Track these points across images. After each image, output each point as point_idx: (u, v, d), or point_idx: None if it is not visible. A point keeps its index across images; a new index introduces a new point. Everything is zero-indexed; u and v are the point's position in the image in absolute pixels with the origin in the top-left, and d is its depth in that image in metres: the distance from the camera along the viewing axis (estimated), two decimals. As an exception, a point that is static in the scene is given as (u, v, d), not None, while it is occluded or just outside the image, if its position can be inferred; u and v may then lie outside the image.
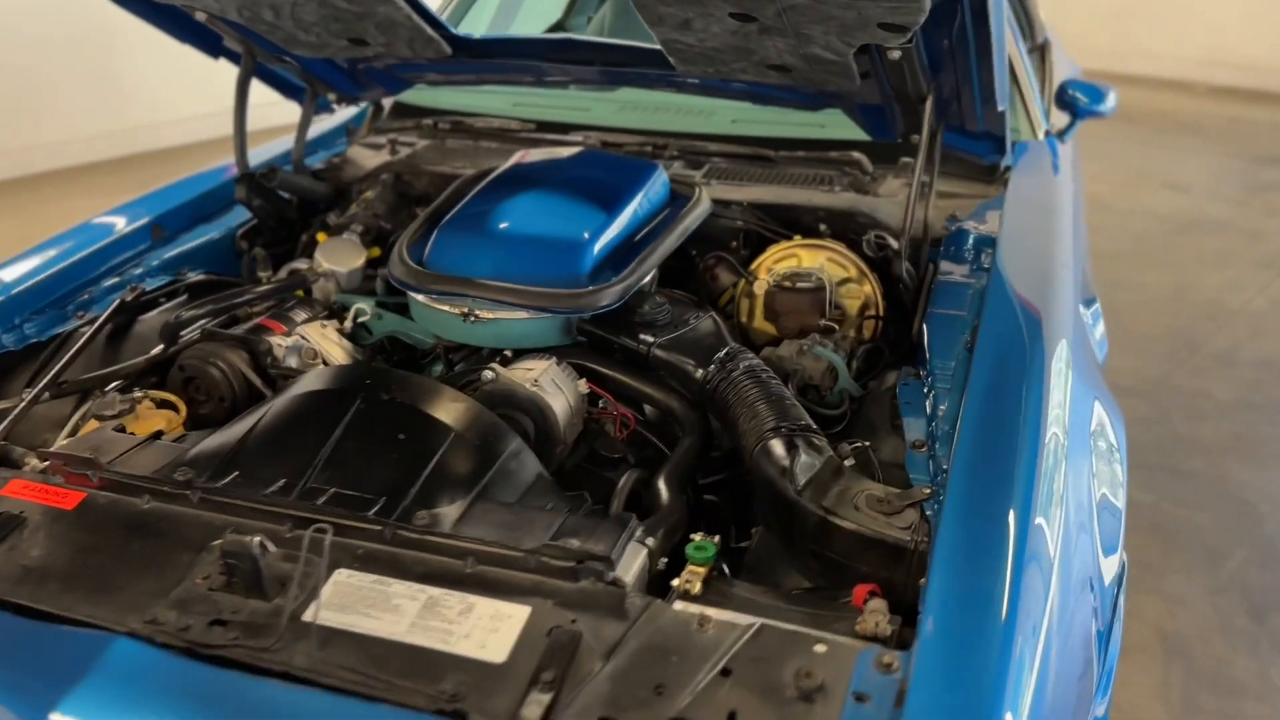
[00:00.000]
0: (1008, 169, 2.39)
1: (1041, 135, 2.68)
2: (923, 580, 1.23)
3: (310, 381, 1.61)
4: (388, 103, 2.94)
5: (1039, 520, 1.31)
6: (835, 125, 2.56)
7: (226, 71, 2.35)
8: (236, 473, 1.44)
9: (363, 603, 1.28)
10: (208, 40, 2.27)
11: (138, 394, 1.72)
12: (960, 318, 1.85)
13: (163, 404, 1.76)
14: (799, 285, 1.98)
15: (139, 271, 2.13)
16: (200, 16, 2.06)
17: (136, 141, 6.70)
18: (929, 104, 1.86)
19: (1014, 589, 1.19)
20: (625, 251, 1.95)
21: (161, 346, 1.89)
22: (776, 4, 1.57)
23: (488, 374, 1.67)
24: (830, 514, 1.40)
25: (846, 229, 2.22)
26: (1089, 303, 2.11)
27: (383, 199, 2.41)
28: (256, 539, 1.27)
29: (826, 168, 2.43)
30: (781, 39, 1.72)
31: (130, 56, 6.64)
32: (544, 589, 1.28)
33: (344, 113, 2.86)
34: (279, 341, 1.86)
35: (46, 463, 1.51)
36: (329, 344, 1.91)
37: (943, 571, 1.23)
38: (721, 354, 1.72)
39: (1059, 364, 1.64)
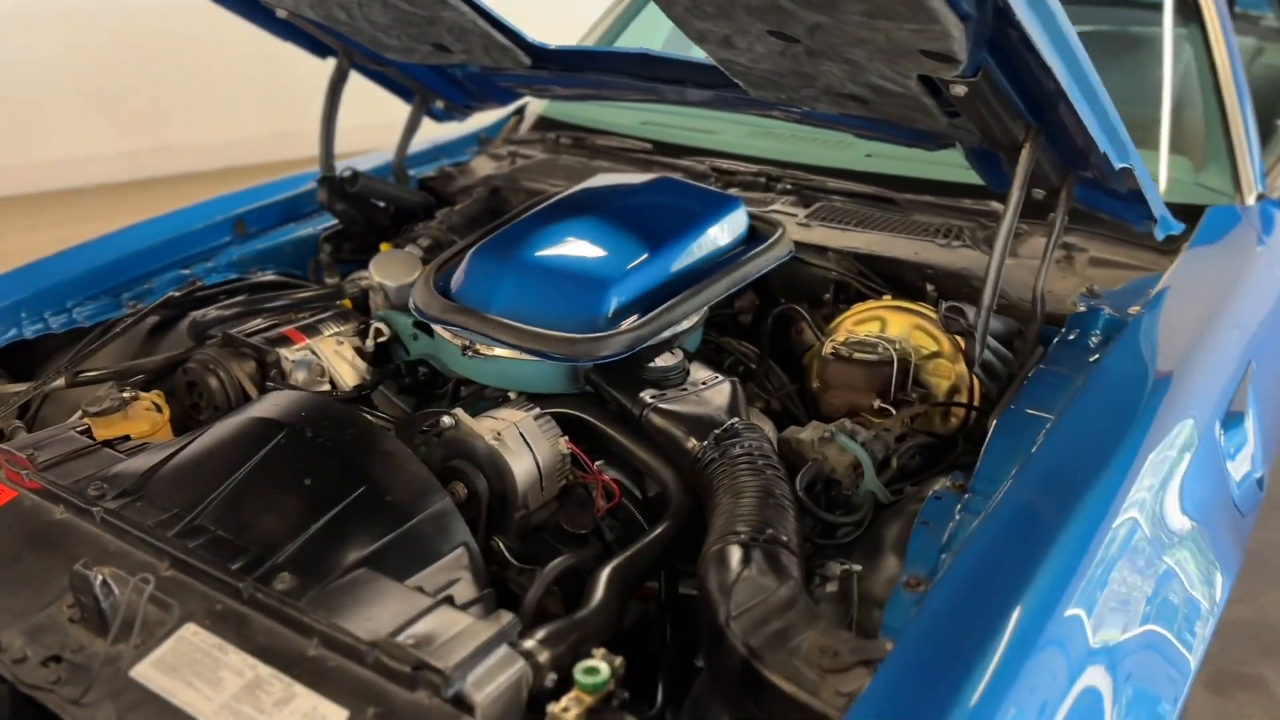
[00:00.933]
0: (1184, 237, 1.93)
1: (1252, 199, 2.16)
2: None
3: (256, 407, 1.50)
4: (530, 114, 2.85)
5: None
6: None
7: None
8: (140, 496, 1.35)
9: (192, 668, 1.14)
10: (311, 40, 2.24)
11: (128, 393, 1.68)
12: (1042, 420, 1.48)
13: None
14: (857, 355, 1.67)
15: (209, 265, 2.12)
16: (281, 14, 2.02)
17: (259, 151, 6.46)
18: (1025, 152, 1.49)
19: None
20: (665, 295, 1.72)
21: (192, 345, 1.85)
22: (804, 21, 1.29)
23: (446, 420, 1.50)
24: (754, 657, 1.11)
25: (957, 293, 1.87)
26: (1237, 421, 1.63)
27: (466, 213, 2.30)
28: (100, 574, 1.16)
29: (958, 217, 2.07)
30: (830, 63, 1.43)
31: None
32: (375, 692, 1.09)
33: (479, 120, 2.79)
34: (288, 354, 1.78)
35: None
36: (340, 362, 1.81)
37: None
38: (721, 429, 1.46)
39: (1132, 507, 1.25)
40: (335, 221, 2.32)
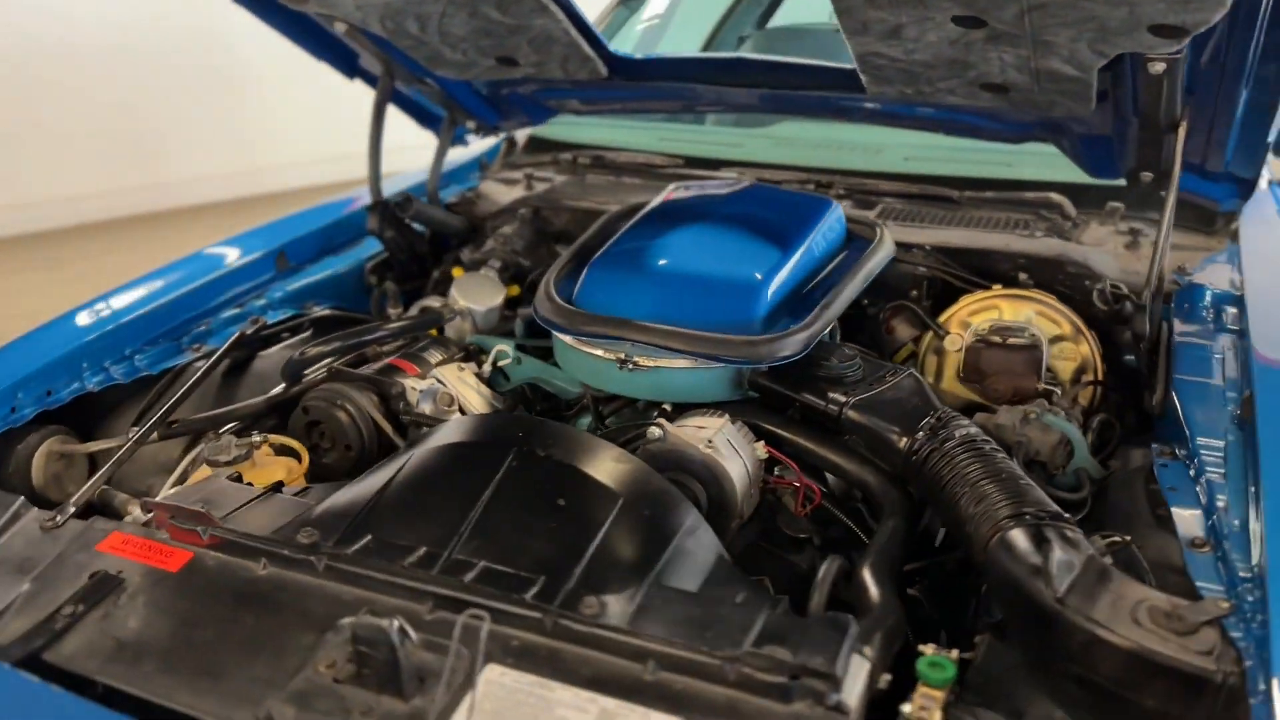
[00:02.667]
0: (1232, 217, 2.06)
1: (1266, 182, 2.34)
2: None
3: (453, 432, 1.38)
4: (521, 137, 2.76)
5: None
6: (1025, 163, 2.29)
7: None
8: (369, 537, 1.21)
9: (520, 711, 1.02)
10: (344, 57, 2.11)
11: (256, 438, 1.51)
12: (1215, 387, 1.54)
13: (282, 450, 1.55)
14: (1011, 341, 1.69)
15: (261, 303, 1.95)
16: (339, 28, 1.89)
17: (258, 183, 6.76)
18: (1181, 133, 1.56)
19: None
20: (801, 296, 1.69)
21: (283, 386, 1.69)
22: (1021, 2, 1.31)
23: (654, 431, 1.42)
24: (1103, 629, 1.09)
25: (1053, 280, 1.92)
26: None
27: (520, 234, 2.20)
28: (395, 622, 1.03)
29: (1020, 210, 2.13)
30: (1011, 49, 1.45)
31: (253, 97, 6.71)
32: (744, 709, 1.01)
33: (476, 147, 2.69)
34: (413, 384, 1.65)
35: (150, 514, 1.31)
36: (466, 389, 1.69)
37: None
38: (930, 419, 1.44)
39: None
40: (377, 251, 2.18)
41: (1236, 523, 1.22)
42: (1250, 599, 1.12)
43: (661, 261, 1.69)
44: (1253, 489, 1.28)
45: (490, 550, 1.18)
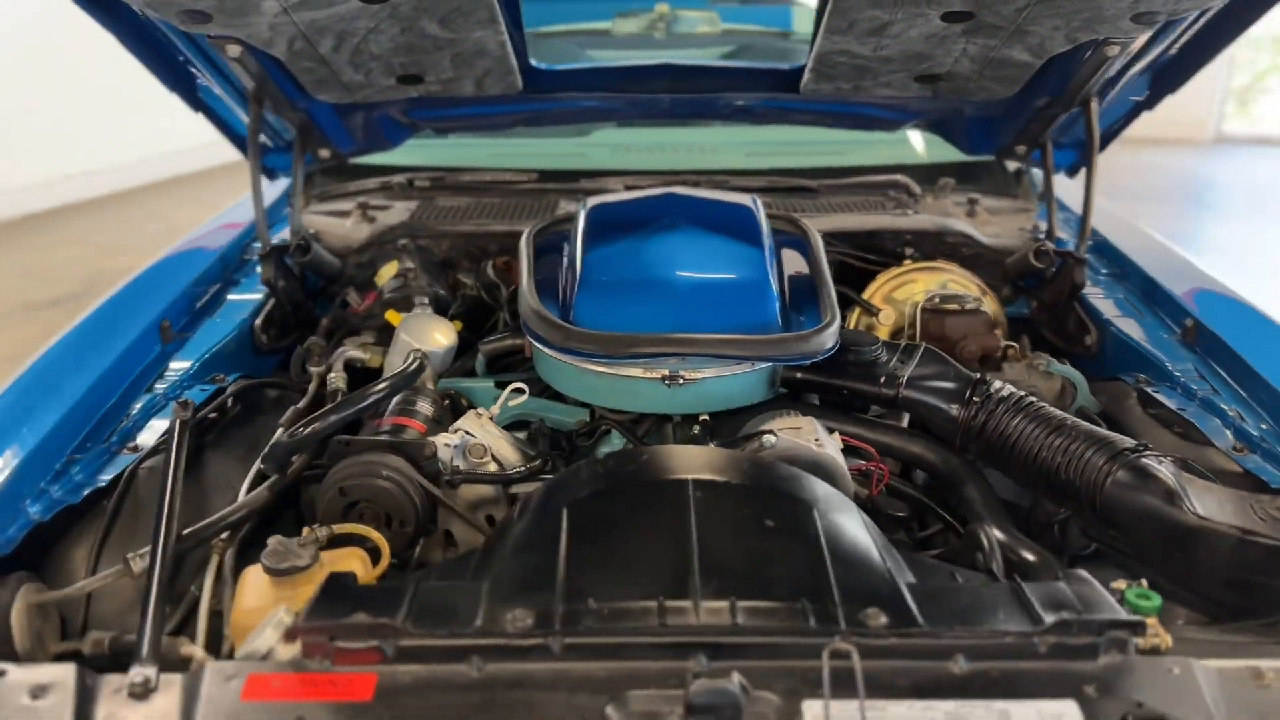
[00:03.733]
0: (1022, 177, 2.39)
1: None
2: None
3: (596, 478, 1.27)
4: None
5: None
6: (853, 152, 2.50)
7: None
8: (590, 602, 1.09)
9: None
10: (188, 87, 1.82)
11: (319, 531, 1.29)
12: (1138, 319, 1.82)
13: (335, 541, 1.33)
14: (968, 307, 1.86)
15: (163, 388, 1.63)
16: (233, 51, 1.62)
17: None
18: (1094, 106, 1.81)
19: None
20: (789, 290, 1.74)
21: (281, 470, 1.45)
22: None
23: (770, 439, 1.40)
24: (1249, 533, 1.27)
25: (936, 250, 2.13)
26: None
27: (422, 266, 2.03)
28: (735, 678, 0.95)
29: (872, 193, 2.33)
30: (983, 40, 1.60)
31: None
32: (1063, 677, 1.05)
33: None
34: (445, 441, 1.48)
35: (295, 641, 1.07)
36: (493, 438, 1.54)
37: None
38: (973, 386, 1.55)
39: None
40: (257, 304, 1.90)
41: (1266, 426, 1.47)
42: None
43: (660, 273, 1.65)
44: (1243, 394, 1.54)
45: (733, 587, 1.11)
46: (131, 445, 1.48)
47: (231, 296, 1.92)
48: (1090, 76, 1.70)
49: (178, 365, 1.68)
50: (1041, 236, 2.14)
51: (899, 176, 2.34)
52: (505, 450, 1.54)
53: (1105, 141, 1.99)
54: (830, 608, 1.08)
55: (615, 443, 1.65)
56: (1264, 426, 1.48)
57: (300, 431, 1.44)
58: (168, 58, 1.77)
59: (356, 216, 2.28)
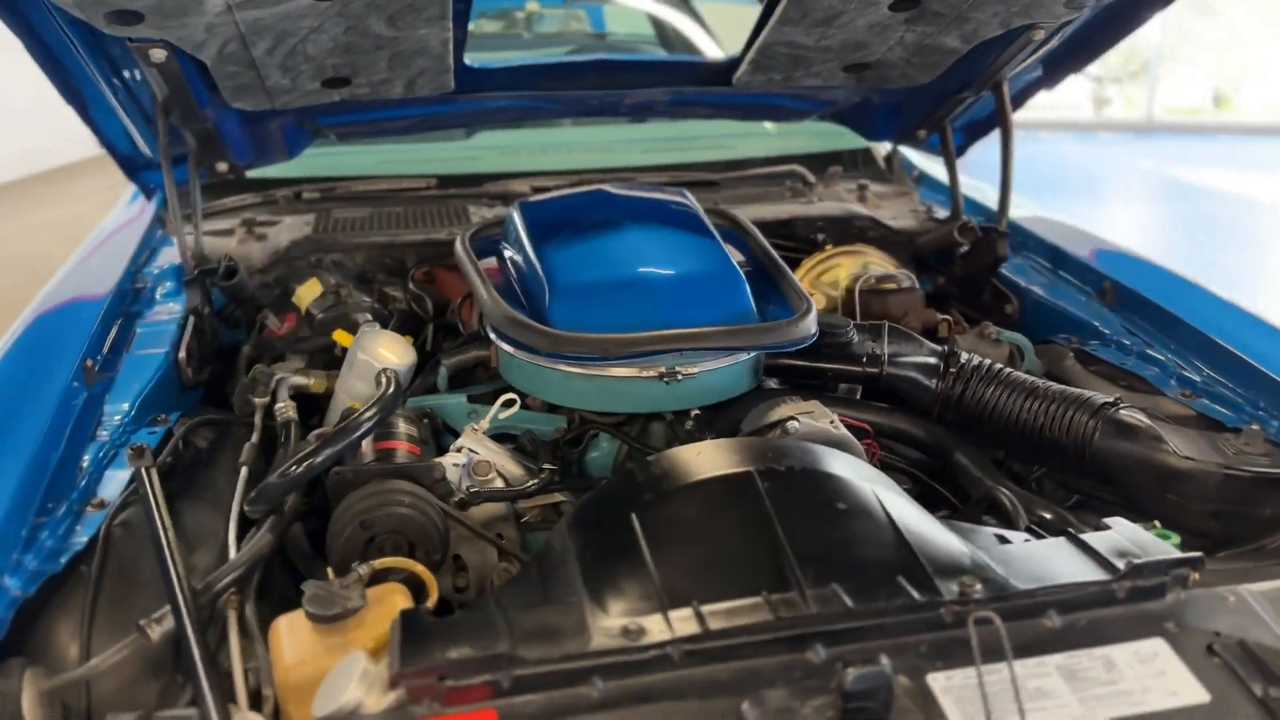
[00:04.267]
0: (893, 162, 2.53)
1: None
2: None
3: (646, 482, 1.23)
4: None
5: None
6: (740, 145, 2.55)
7: None
8: (695, 604, 1.06)
9: (1002, 702, 1.02)
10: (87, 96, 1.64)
11: (361, 569, 1.18)
12: (1049, 286, 1.97)
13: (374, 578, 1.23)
14: (905, 285, 1.94)
15: (107, 435, 1.46)
16: (157, 56, 1.47)
17: None
18: (1006, 88, 1.92)
19: None
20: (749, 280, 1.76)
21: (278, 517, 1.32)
22: None
23: (794, 425, 1.41)
24: (1231, 468, 1.40)
25: (845, 234, 2.21)
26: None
27: (347, 282, 1.91)
28: (885, 662, 0.96)
29: (770, 184, 2.39)
30: (922, 28, 1.67)
31: None
32: (1140, 616, 1.12)
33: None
34: (452, 461, 1.40)
35: (391, 690, 0.99)
36: (493, 453, 1.47)
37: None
38: (946, 359, 1.63)
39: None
40: (176, 334, 1.73)
41: (1198, 371, 1.62)
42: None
43: (632, 270, 1.63)
44: (1174, 345, 1.70)
45: (829, 573, 1.11)
46: (96, 501, 1.31)
47: (140, 328, 1.73)
48: (1008, 60, 1.82)
49: (113, 409, 1.50)
50: (940, 218, 2.26)
51: (795, 166, 2.41)
52: (508, 465, 1.48)
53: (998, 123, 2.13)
54: (927, 581, 1.10)
55: (604, 447, 1.61)
56: (1204, 371, 1.63)
57: (293, 469, 1.32)
58: (68, 65, 1.57)
59: (242, 234, 2.11)
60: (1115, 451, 1.46)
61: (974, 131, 2.19)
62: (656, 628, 1.03)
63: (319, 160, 2.31)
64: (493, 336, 1.62)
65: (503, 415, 1.54)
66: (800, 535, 1.15)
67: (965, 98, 1.98)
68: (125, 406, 1.50)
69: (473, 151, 2.44)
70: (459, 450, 1.45)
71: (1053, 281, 2.01)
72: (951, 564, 1.14)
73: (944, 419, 1.62)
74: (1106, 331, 1.80)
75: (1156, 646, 1.08)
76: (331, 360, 1.81)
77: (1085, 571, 1.14)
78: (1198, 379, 1.63)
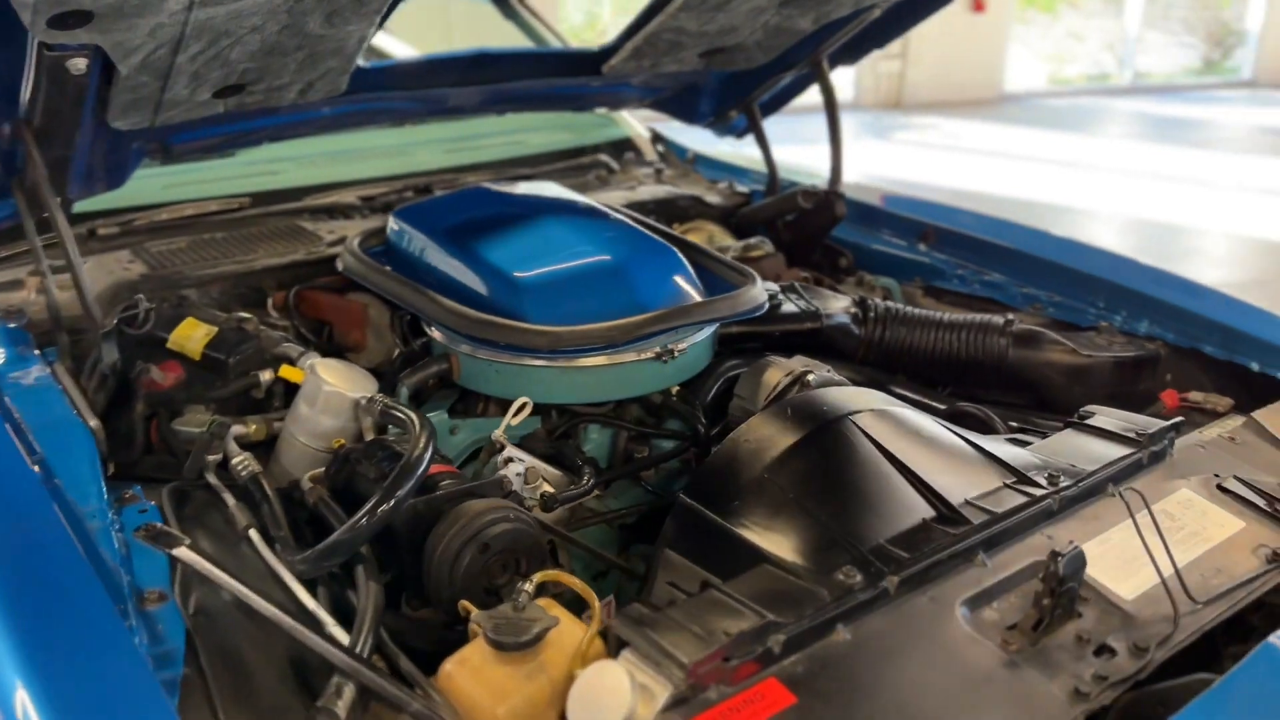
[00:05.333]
0: (661, 145, 2.70)
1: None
2: None
3: (759, 442, 1.28)
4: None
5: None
6: (530, 140, 2.57)
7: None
8: (880, 541, 1.15)
9: (1130, 565, 1.22)
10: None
11: (528, 586, 1.11)
12: (869, 237, 2.25)
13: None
14: (768, 250, 2.10)
15: (96, 526, 1.21)
16: (76, 67, 1.22)
17: None
18: (825, 66, 2.13)
19: None
20: None
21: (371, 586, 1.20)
22: None
23: (814, 377, 1.51)
24: (1120, 357, 1.74)
25: (673, 214, 2.33)
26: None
27: (246, 315, 1.69)
28: (1072, 544, 1.12)
29: (583, 173, 2.44)
30: (791, 10, 1.82)
31: None
32: (1164, 474, 1.38)
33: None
34: (513, 473, 1.34)
35: (671, 687, 0.97)
36: (530, 459, 1.42)
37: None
38: (859, 308, 1.81)
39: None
40: (89, 394, 1.45)
41: (1034, 289, 1.96)
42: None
43: (583, 261, 1.64)
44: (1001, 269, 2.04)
45: (957, 489, 1.24)
46: (153, 595, 1.10)
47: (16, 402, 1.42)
48: (835, 40, 2.03)
49: (82, 499, 1.23)
50: (743, 191, 2.45)
51: (600, 156, 2.49)
52: (545, 469, 1.43)
53: (787, 99, 2.36)
54: (1028, 480, 1.28)
55: (594, 438, 1.60)
56: (1039, 292, 1.97)
57: (364, 520, 1.19)
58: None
59: (36, 284, 1.77)
60: (1028, 359, 1.74)
61: (765, 110, 2.40)
62: (864, 569, 1.10)
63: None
64: (459, 347, 1.55)
65: (515, 421, 1.48)
66: (916, 464, 1.27)
67: (783, 77, 2.18)
68: (91, 494, 1.25)
69: (268, 165, 2.22)
70: (510, 460, 1.38)
71: (872, 234, 2.28)
72: (1026, 463, 1.33)
73: (867, 361, 1.82)
74: (941, 268, 2.10)
75: (1189, 495, 1.34)
76: (247, 404, 1.61)
77: (1113, 449, 1.37)
78: (1040, 294, 1.96)
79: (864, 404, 1.37)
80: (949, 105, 11.42)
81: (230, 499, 1.37)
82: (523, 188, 1.97)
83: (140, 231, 1.95)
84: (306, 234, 1.98)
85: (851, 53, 2.16)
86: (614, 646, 1.06)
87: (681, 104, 2.31)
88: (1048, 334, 1.76)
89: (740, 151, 2.72)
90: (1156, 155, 9.13)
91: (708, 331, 1.65)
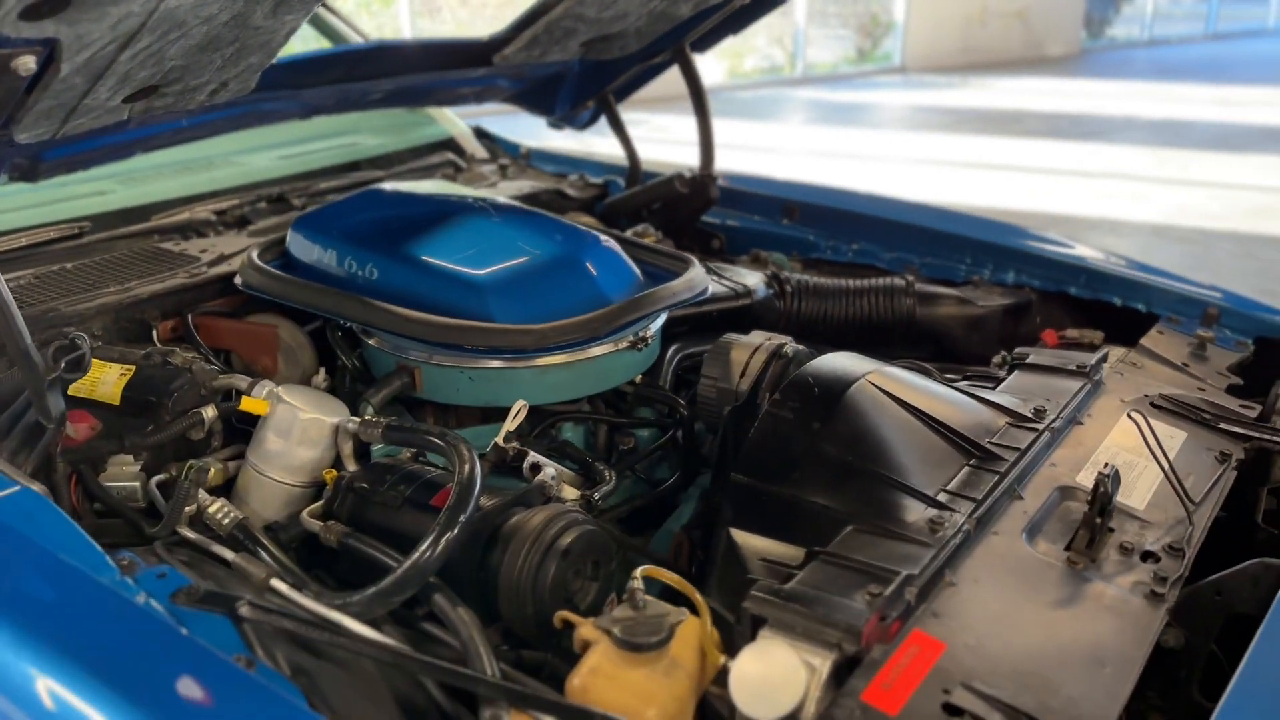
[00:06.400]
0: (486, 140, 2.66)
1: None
2: None
3: (797, 414, 1.30)
4: None
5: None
6: (361, 143, 2.43)
7: None
8: (947, 493, 1.22)
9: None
10: None
11: (637, 585, 1.07)
12: (738, 217, 2.33)
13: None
14: (659, 238, 2.12)
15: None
16: (24, 66, 1.02)
17: None
18: (689, 53, 2.16)
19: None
20: None
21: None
22: None
23: (790, 349, 1.55)
24: (1006, 306, 1.92)
25: (538, 208, 2.29)
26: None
27: (168, 349, 1.48)
28: (1108, 466, 1.24)
29: (430, 172, 2.34)
30: None
31: None
32: (1108, 399, 1.55)
33: None
34: (548, 475, 1.29)
35: (864, 642, 0.99)
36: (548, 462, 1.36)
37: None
38: (775, 282, 1.88)
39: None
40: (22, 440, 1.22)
41: (900, 254, 2.12)
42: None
43: (536, 255, 1.59)
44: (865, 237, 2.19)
45: (979, 432, 1.34)
46: (242, 660, 0.96)
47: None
48: (701, 26, 2.07)
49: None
50: (596, 182, 2.45)
51: (449, 154, 2.40)
52: (564, 471, 1.39)
53: (635, 89, 2.38)
54: (1025, 416, 1.40)
55: (568, 435, 1.56)
56: (909, 256, 2.13)
57: (428, 553, 1.10)
58: None
59: None
60: (931, 316, 1.88)
61: (616, 98, 2.41)
62: (951, 514, 1.17)
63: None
64: (406, 355, 1.48)
65: (512, 426, 1.41)
66: (940, 415, 1.35)
67: (649, 65, 2.20)
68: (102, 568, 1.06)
69: (93, 185, 1.94)
70: (534, 467, 1.31)
71: (736, 214, 2.35)
72: (1014, 405, 1.44)
73: (789, 332, 1.89)
74: (813, 241, 2.21)
75: (1137, 418, 1.51)
76: (184, 449, 1.42)
77: (1066, 382, 1.52)
78: (913, 258, 2.12)
79: (864, 368, 1.43)
80: (640, 101, 11.91)
81: (228, 551, 1.21)
82: (419, 186, 1.86)
83: None
84: (175, 255, 1.77)
85: (709, 39, 2.22)
86: (749, 626, 1.05)
87: (541, 97, 2.27)
88: (945, 291, 1.91)
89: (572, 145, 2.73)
90: (832, 136, 10.01)
91: (664, 317, 1.65)
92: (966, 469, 1.27)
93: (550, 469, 1.33)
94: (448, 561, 1.14)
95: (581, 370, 1.51)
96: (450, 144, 2.59)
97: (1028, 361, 1.60)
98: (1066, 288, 1.97)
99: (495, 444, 1.48)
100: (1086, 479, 1.32)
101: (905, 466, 1.26)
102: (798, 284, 1.89)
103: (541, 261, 1.57)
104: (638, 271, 1.67)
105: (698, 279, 1.65)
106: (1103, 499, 1.20)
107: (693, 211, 2.29)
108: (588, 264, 1.60)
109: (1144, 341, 1.76)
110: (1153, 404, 1.55)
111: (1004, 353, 1.72)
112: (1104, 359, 1.60)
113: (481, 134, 2.67)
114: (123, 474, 1.37)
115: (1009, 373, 1.59)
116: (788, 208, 2.31)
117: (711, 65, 13.85)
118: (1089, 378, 1.54)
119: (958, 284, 2.06)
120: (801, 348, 1.60)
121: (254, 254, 1.64)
